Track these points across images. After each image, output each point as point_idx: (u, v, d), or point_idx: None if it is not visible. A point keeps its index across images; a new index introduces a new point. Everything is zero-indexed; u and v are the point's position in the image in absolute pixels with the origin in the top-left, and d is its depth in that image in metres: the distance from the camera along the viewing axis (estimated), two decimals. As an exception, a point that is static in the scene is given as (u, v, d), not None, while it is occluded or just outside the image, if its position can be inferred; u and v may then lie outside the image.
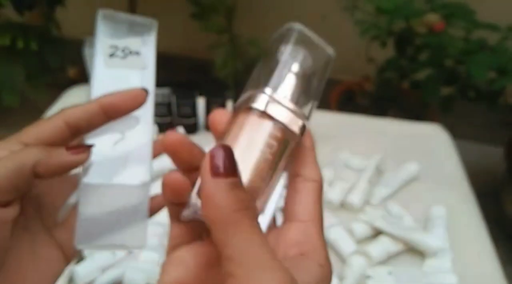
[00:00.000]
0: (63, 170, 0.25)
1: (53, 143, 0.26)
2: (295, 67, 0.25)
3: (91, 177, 0.27)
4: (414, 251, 0.59)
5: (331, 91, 1.57)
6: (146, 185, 0.28)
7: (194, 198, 0.22)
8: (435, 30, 1.14)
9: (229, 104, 0.80)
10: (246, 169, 0.22)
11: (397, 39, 1.29)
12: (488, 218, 0.69)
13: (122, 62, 0.30)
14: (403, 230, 0.59)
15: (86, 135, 0.27)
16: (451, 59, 1.16)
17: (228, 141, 0.23)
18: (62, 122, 0.26)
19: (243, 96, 0.24)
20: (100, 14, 0.31)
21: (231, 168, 0.20)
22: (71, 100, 0.89)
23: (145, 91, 0.28)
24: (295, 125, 0.23)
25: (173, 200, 0.24)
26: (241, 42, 1.51)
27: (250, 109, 0.23)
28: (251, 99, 0.24)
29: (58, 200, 0.29)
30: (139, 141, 0.28)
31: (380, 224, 0.60)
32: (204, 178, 0.20)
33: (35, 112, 0.89)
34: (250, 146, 0.23)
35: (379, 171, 0.71)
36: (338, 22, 1.47)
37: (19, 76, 1.12)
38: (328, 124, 0.85)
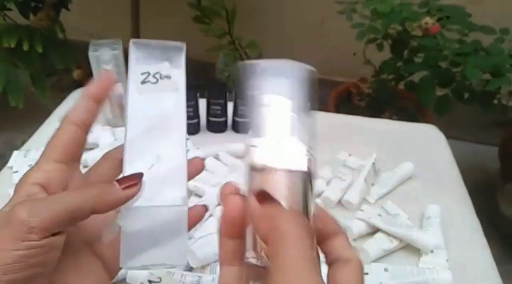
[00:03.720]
0: (119, 204, 0.27)
1: (75, 148, 0.28)
2: (282, 103, 0.24)
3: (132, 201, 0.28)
4: (410, 249, 0.60)
5: (329, 93, 1.59)
6: (184, 204, 0.28)
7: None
8: (431, 33, 1.16)
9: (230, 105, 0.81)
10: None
11: (393, 42, 1.30)
12: (482, 217, 0.69)
13: (155, 87, 0.31)
14: (399, 228, 0.60)
15: (124, 161, 0.28)
16: (446, 61, 1.17)
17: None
18: (72, 126, 0.28)
19: (247, 147, 0.23)
20: (132, 43, 0.32)
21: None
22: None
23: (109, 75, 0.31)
24: (302, 165, 0.22)
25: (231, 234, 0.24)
26: (241, 45, 1.53)
27: (256, 168, 0.22)
28: (249, 154, 0.22)
29: (100, 219, 0.30)
30: (174, 161, 0.29)
31: (377, 222, 0.61)
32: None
33: (40, 113, 0.91)
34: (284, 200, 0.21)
35: (375, 171, 0.72)
36: (336, 25, 1.49)
37: (24, 78, 1.13)
38: (326, 125, 0.86)
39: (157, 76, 0.31)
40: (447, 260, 0.59)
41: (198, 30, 1.51)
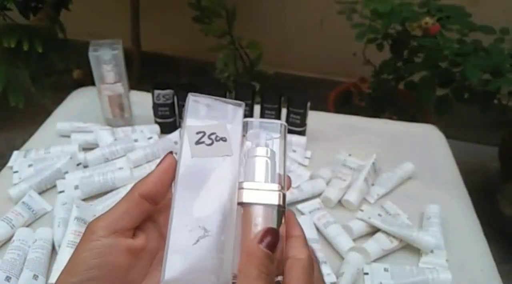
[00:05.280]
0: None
1: (137, 216, 0.29)
2: (266, 153, 0.30)
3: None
4: (410, 249, 0.60)
5: (329, 93, 1.59)
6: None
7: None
8: (431, 33, 1.16)
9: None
10: None
11: (393, 42, 1.30)
12: (482, 216, 0.70)
13: (209, 150, 0.29)
14: (399, 227, 0.60)
15: (170, 232, 0.27)
16: (446, 61, 1.18)
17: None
18: (137, 196, 0.29)
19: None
20: (190, 96, 0.31)
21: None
22: (77, 102, 0.90)
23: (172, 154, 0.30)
24: (273, 200, 0.28)
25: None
26: (242, 45, 1.53)
27: (242, 203, 0.29)
28: (239, 193, 0.29)
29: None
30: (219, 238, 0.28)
31: (377, 222, 0.61)
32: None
33: (40, 113, 0.91)
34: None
35: (375, 171, 0.72)
36: (336, 25, 1.49)
37: (24, 78, 1.14)
38: (326, 125, 0.87)
39: (213, 137, 0.30)
40: (447, 260, 0.59)
41: (198, 30, 1.51)
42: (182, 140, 0.30)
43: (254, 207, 0.28)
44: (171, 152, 0.31)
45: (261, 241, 0.26)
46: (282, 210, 0.29)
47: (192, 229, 0.27)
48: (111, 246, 0.28)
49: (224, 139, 0.30)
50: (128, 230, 0.29)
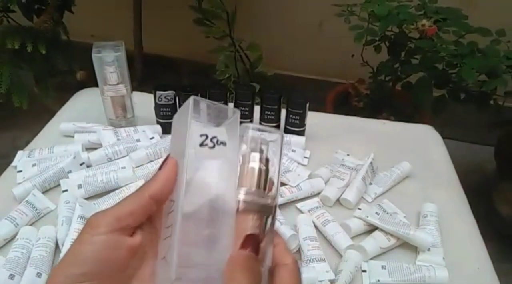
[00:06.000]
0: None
1: (142, 216, 0.30)
2: (252, 157, 0.31)
3: None
4: (407, 247, 0.61)
5: (328, 94, 1.60)
6: None
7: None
8: (427, 35, 1.17)
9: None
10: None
11: (390, 44, 1.31)
12: (478, 215, 0.70)
13: (211, 152, 0.30)
14: (396, 226, 0.61)
15: (174, 240, 0.28)
16: (442, 63, 1.19)
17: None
18: (147, 197, 0.30)
19: None
20: (192, 99, 0.31)
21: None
22: (81, 102, 0.91)
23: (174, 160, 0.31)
24: (264, 206, 0.30)
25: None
26: (242, 47, 1.54)
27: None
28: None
29: None
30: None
31: (374, 220, 0.62)
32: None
33: (44, 114, 0.92)
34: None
35: (373, 170, 0.73)
36: (335, 27, 1.50)
37: (28, 79, 1.14)
38: (324, 125, 0.87)
39: (214, 140, 0.31)
40: (443, 258, 0.60)
41: (199, 32, 1.52)
42: (187, 142, 0.30)
43: (244, 213, 0.29)
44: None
45: (243, 247, 0.28)
46: (272, 217, 0.30)
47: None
48: (114, 242, 0.28)
49: (224, 143, 0.31)
50: (131, 229, 0.29)
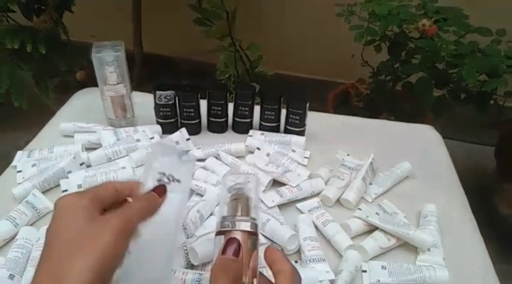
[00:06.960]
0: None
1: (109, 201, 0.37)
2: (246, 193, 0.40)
3: None
4: (407, 247, 0.61)
5: (328, 94, 1.60)
6: None
7: None
8: (428, 35, 1.17)
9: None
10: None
11: (391, 43, 1.31)
12: (478, 215, 0.70)
13: (167, 187, 0.40)
14: (397, 226, 0.61)
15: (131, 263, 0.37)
16: (443, 62, 1.19)
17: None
18: (113, 189, 0.38)
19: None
20: (155, 144, 0.40)
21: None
22: (80, 102, 0.91)
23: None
24: (247, 228, 0.37)
25: None
26: (242, 47, 1.54)
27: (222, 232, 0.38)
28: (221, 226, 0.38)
29: None
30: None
31: (374, 220, 0.62)
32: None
33: (43, 114, 0.92)
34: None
35: (373, 170, 0.73)
36: (335, 27, 1.50)
37: (27, 79, 1.15)
38: (325, 125, 0.87)
39: (170, 177, 0.41)
40: (444, 258, 0.60)
41: (199, 32, 1.52)
42: (147, 177, 0.41)
43: (231, 233, 0.36)
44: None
45: (224, 251, 0.34)
46: (255, 238, 0.37)
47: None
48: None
49: (179, 181, 0.41)
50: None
